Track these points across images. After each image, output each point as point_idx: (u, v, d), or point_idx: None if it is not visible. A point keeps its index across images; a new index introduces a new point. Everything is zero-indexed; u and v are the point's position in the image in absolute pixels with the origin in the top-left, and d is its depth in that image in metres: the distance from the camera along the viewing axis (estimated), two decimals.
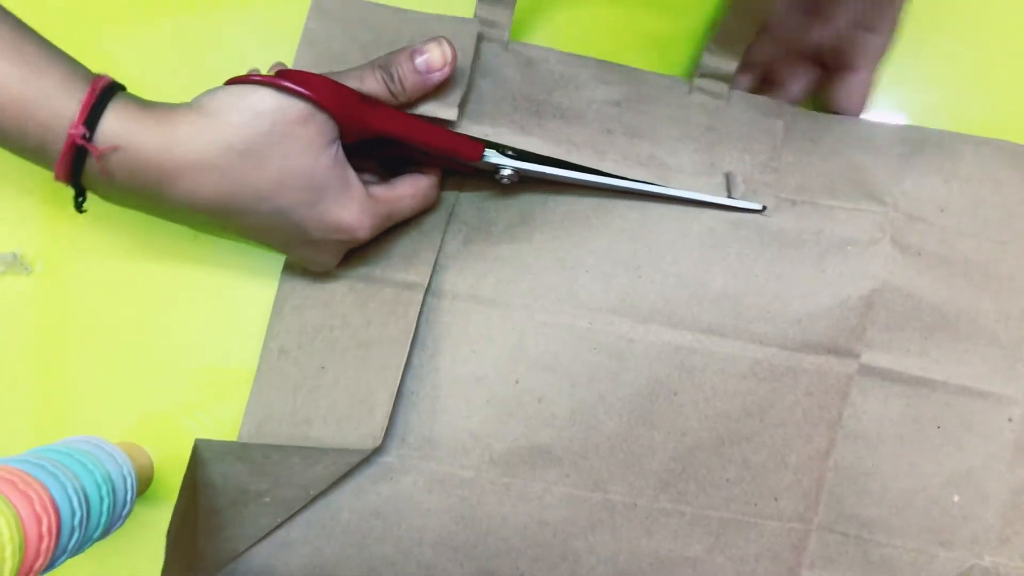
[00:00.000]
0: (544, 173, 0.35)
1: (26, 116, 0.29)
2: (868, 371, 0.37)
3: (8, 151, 0.31)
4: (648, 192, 0.36)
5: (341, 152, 0.32)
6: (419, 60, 0.32)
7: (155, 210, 0.33)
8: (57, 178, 0.30)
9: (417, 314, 0.36)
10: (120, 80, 0.31)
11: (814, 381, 0.37)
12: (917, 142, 0.37)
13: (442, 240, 0.37)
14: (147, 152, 0.30)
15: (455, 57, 0.33)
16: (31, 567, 0.29)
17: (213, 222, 0.33)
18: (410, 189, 0.35)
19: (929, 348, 0.37)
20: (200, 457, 0.34)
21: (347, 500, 0.36)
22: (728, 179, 0.35)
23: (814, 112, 0.38)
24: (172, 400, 0.39)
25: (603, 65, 0.36)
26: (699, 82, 0.36)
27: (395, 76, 0.32)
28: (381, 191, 0.35)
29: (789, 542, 0.38)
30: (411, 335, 0.35)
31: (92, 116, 0.29)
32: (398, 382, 0.35)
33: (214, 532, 0.35)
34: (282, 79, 0.30)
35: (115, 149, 0.29)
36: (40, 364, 0.39)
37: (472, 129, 0.34)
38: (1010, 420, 0.37)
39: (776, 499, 0.37)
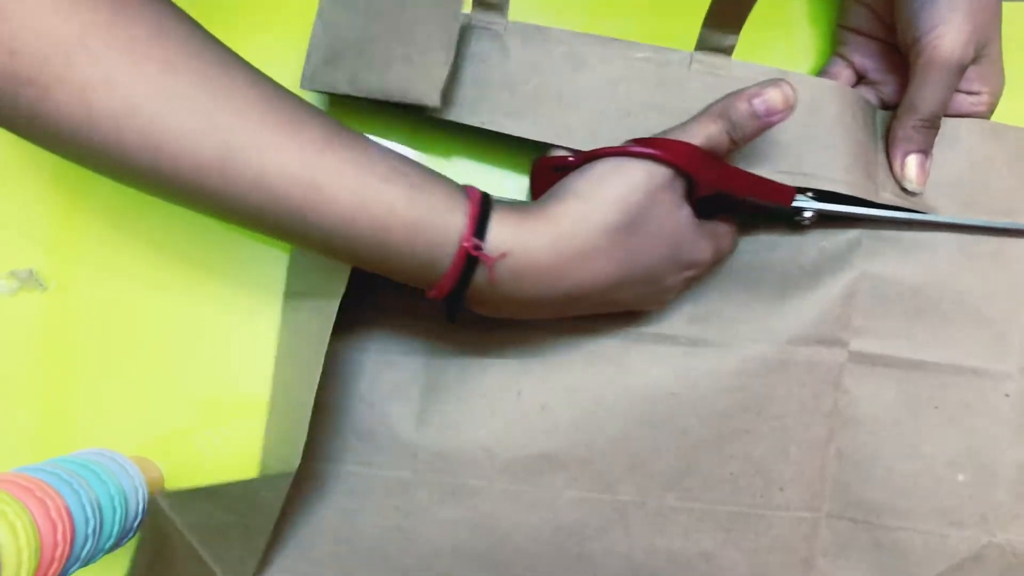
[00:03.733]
0: (845, 212, 0.36)
1: (415, 235, 0.29)
2: (858, 358, 0.37)
3: (384, 273, 0.31)
4: (942, 223, 0.37)
5: (689, 206, 0.33)
6: (757, 103, 0.32)
7: (528, 307, 0.32)
8: (440, 294, 0.31)
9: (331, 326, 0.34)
10: None
11: (805, 372, 0.37)
12: (885, 126, 0.38)
13: None
14: (535, 253, 0.30)
15: (796, 99, 0.32)
16: (46, 572, 0.29)
17: (585, 302, 0.33)
18: (728, 230, 0.36)
19: (916, 331, 0.38)
20: (170, 504, 0.36)
21: (369, 516, 0.37)
22: None
23: (813, 77, 0.37)
24: (183, 417, 0.39)
25: (603, 41, 0.36)
26: (698, 55, 0.36)
27: (736, 125, 0.32)
28: (712, 228, 0.35)
29: (800, 532, 0.37)
30: (324, 346, 0.33)
31: (480, 226, 0.29)
32: (313, 395, 0.33)
33: (222, 556, 0.36)
34: (644, 147, 0.31)
35: (504, 256, 0.30)
36: (53, 379, 0.39)
37: (465, 117, 0.35)
38: (1007, 396, 0.37)
39: (781, 489, 0.37)
